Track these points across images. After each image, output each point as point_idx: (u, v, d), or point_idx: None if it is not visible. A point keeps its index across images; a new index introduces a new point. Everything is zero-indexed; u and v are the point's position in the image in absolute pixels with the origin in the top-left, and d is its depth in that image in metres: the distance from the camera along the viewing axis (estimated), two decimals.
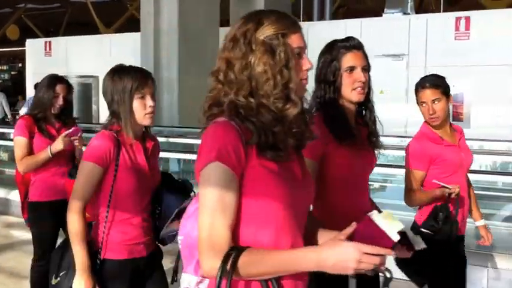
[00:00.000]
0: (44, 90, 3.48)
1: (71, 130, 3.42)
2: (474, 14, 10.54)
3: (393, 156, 7.71)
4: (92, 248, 2.42)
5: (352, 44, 2.43)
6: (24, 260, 5.16)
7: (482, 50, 10.16)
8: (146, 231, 2.52)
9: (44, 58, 15.21)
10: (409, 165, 2.98)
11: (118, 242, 2.45)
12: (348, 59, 2.36)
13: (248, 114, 1.53)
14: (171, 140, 8.66)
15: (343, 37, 2.41)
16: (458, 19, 10.44)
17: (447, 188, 2.78)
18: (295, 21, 1.69)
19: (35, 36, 22.97)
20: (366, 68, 2.34)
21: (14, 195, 6.98)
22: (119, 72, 2.55)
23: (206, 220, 1.45)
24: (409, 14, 11.68)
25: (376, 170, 6.25)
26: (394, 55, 10.82)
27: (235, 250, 1.42)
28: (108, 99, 2.53)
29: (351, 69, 2.32)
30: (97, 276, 2.38)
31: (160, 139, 8.73)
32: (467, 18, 10.34)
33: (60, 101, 3.51)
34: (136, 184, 2.45)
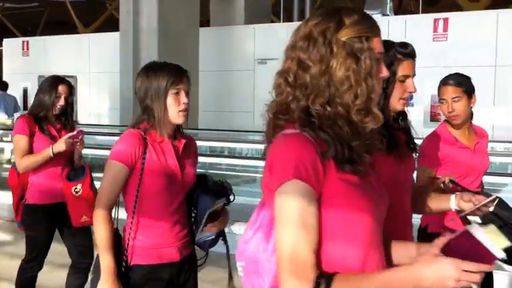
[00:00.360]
0: (47, 90, 3.48)
1: (74, 132, 3.44)
2: (452, 16, 10.65)
3: None
4: (119, 253, 2.33)
5: (409, 52, 2.28)
6: (2, 262, 5.09)
7: (461, 52, 10.27)
8: (178, 235, 2.41)
9: (22, 58, 15.03)
10: (418, 162, 2.81)
11: (145, 247, 2.34)
12: (405, 68, 2.21)
13: (323, 124, 1.38)
14: None
15: (400, 41, 2.30)
16: (436, 20, 10.54)
17: (438, 178, 2.71)
18: (377, 23, 1.51)
19: (12, 35, 22.67)
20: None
21: None
22: (154, 68, 2.50)
23: (287, 241, 1.29)
24: (388, 15, 11.77)
25: None
26: None
27: (324, 277, 1.27)
28: (141, 96, 2.46)
29: (405, 78, 2.20)
30: (124, 282, 2.30)
31: None
32: (446, 20, 10.45)
33: (61, 102, 3.51)
34: (164, 185, 2.34)
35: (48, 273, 4.75)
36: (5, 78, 15.38)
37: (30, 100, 13.47)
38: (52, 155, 3.40)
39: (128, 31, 10.33)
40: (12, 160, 8.88)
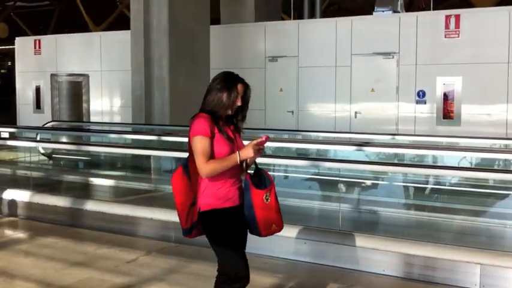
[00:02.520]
0: (225, 88, 3.23)
1: (263, 138, 3.15)
2: (464, 12, 10.59)
3: (384, 154, 7.74)
4: None
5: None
6: (13, 259, 5.15)
7: (472, 48, 10.21)
8: None
9: (34, 56, 15.11)
10: None
11: None
12: None
13: None
14: (163, 138, 8.63)
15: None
16: (448, 17, 10.49)
17: None
18: None
19: (24, 34, 22.81)
20: None
21: (6, 195, 6.95)
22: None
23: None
24: (399, 12, 11.71)
25: (370, 167, 6.24)
26: (385, 53, 10.85)
27: None
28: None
29: None
30: None
31: (152, 137, 8.74)
32: (457, 16, 10.39)
33: (239, 102, 3.28)
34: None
35: (61, 270, 4.81)
36: (17, 76, 15.50)
37: (43, 98, 13.68)
38: (238, 162, 3.14)
39: (139, 29, 10.35)
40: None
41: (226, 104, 3.22)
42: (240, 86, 3.29)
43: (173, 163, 7.97)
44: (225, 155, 3.15)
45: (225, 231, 3.21)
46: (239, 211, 3.20)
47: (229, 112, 3.26)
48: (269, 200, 3.16)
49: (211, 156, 3.13)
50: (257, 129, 10.61)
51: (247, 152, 3.12)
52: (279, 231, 3.28)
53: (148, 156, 8.65)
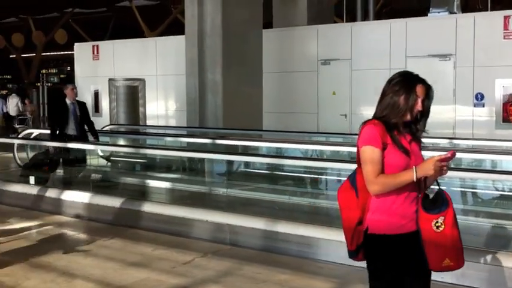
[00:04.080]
0: (402, 91, 2.75)
1: (448, 154, 2.63)
2: None
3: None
4: None
5: None
6: (74, 259, 5.32)
7: None
8: None
9: (92, 62, 15.56)
10: None
11: None
12: None
13: None
14: (217, 141, 8.75)
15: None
16: (506, 18, 10.18)
17: None
18: None
19: (82, 40, 23.52)
20: None
21: (66, 195, 7.19)
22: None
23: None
24: (455, 13, 11.46)
25: None
26: (441, 55, 10.63)
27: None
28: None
29: None
30: None
31: (205, 140, 8.86)
32: None
33: (419, 106, 2.77)
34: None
35: (120, 270, 4.94)
36: (76, 81, 15.99)
37: (101, 103, 14.05)
38: (415, 180, 2.63)
39: (193, 34, 10.52)
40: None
41: (403, 110, 2.74)
42: (420, 88, 2.77)
43: (226, 166, 8.05)
44: (399, 170, 2.67)
45: (392, 267, 2.72)
46: (415, 240, 2.67)
47: (408, 118, 2.76)
48: (441, 228, 2.62)
49: (382, 170, 2.68)
50: (310, 133, 10.62)
51: (426, 169, 2.61)
52: (457, 268, 2.72)
53: (203, 159, 8.78)
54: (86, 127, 8.86)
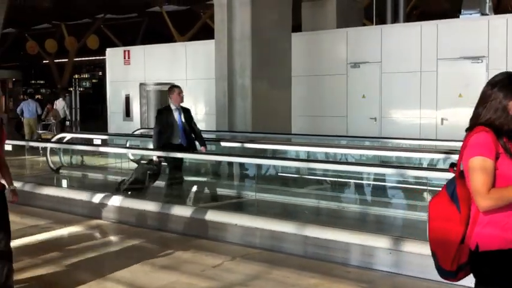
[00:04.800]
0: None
1: None
2: None
3: None
4: None
5: None
6: (105, 262, 5.40)
7: None
8: None
9: (123, 66, 15.76)
10: None
11: None
12: None
13: None
14: (245, 145, 8.78)
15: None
16: None
17: None
18: None
19: (113, 45, 23.87)
20: None
21: (97, 199, 7.29)
22: None
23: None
24: (487, 14, 11.27)
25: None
26: (473, 57, 10.46)
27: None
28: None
29: None
30: None
31: (234, 144, 8.90)
32: None
33: None
34: None
35: (150, 273, 4.99)
36: (108, 86, 16.23)
37: (132, 107, 14.20)
38: None
39: (222, 38, 10.58)
40: None
41: None
42: None
43: (255, 169, 8.07)
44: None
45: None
46: None
47: None
48: None
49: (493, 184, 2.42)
50: (338, 137, 10.57)
51: None
52: None
53: (232, 163, 8.82)
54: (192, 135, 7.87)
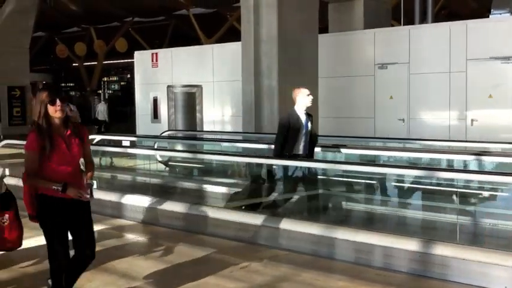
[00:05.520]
0: None
1: None
2: None
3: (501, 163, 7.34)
4: None
5: None
6: (136, 262, 5.45)
7: None
8: None
9: (151, 69, 15.92)
10: None
11: None
12: None
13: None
14: (273, 146, 8.76)
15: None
16: None
17: None
18: None
19: (141, 48, 24.12)
20: None
21: (127, 200, 7.38)
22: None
23: None
24: None
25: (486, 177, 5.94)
26: (503, 58, 10.30)
27: None
28: None
29: None
30: None
31: (261, 146, 8.89)
32: None
33: None
34: None
35: (179, 274, 5.03)
36: (136, 88, 16.42)
37: (160, 109, 14.27)
38: None
39: (249, 40, 10.61)
40: None
41: None
42: None
43: (281, 171, 8.04)
44: None
45: None
46: None
47: None
48: None
49: None
50: (366, 138, 10.49)
51: None
52: None
53: (259, 165, 8.82)
54: None
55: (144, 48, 23.90)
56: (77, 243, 3.91)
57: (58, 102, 3.72)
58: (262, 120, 10.44)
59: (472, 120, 10.65)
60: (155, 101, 15.32)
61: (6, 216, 4.68)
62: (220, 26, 26.03)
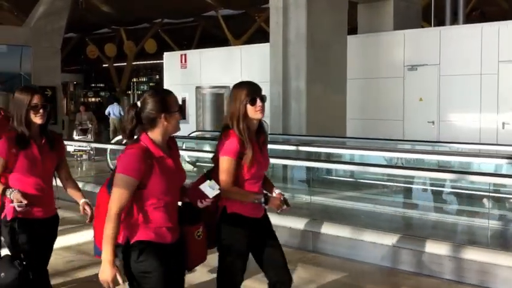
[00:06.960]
0: None
1: None
2: None
3: None
4: None
5: None
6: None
7: None
8: None
9: (180, 70, 16.02)
10: None
11: None
12: None
13: None
14: (300, 148, 8.76)
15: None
16: None
17: None
18: None
19: (170, 49, 24.32)
20: None
21: None
22: None
23: None
24: None
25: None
26: None
27: None
28: None
29: None
30: None
31: (289, 147, 8.89)
32: None
33: None
34: None
35: (204, 274, 5.05)
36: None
37: (188, 109, 14.28)
38: None
39: (278, 41, 10.60)
40: None
41: None
42: None
43: (307, 173, 8.04)
44: None
45: None
46: None
47: None
48: None
49: None
50: (395, 141, 10.39)
51: None
52: None
53: (285, 166, 8.83)
54: None
55: (172, 49, 24.09)
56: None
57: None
58: (290, 121, 10.43)
59: (504, 123, 10.45)
60: (184, 101, 15.42)
61: (201, 228, 3.35)
62: (249, 27, 26.09)
